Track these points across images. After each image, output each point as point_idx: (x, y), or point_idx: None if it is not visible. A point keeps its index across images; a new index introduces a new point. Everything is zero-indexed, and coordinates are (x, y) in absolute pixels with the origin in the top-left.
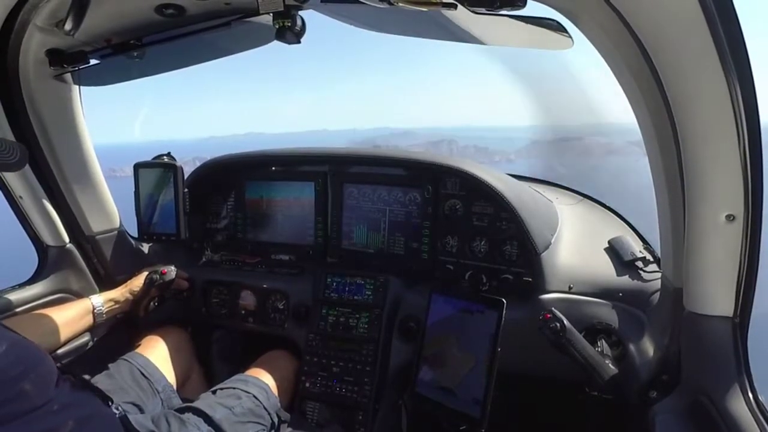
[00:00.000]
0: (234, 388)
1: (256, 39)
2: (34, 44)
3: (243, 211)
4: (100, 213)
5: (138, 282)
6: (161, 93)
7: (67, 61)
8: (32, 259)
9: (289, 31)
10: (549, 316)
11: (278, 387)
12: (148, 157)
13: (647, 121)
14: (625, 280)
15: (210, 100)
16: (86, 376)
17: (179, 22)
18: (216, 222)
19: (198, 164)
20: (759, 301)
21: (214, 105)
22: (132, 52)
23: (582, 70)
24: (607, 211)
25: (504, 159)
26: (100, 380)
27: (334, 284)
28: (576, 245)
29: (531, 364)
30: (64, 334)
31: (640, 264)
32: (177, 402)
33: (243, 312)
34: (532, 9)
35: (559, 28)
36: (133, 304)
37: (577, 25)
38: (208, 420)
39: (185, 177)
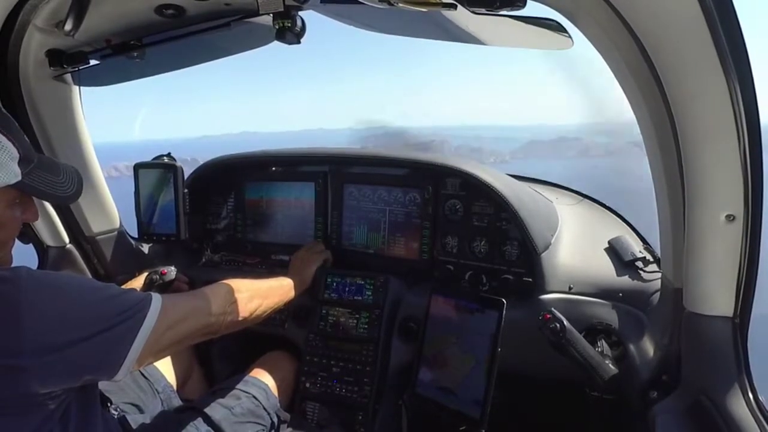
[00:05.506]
0: (233, 389)
1: (256, 39)
2: (34, 45)
3: (243, 212)
4: (100, 213)
5: (138, 283)
6: (153, 92)
7: (67, 62)
8: (32, 260)
9: (289, 31)
10: (549, 316)
11: (278, 387)
12: (138, 158)
13: (647, 120)
14: (625, 281)
15: (204, 99)
16: None
17: (179, 22)
18: (216, 222)
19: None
20: (759, 301)
21: (208, 104)
22: (132, 52)
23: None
24: (606, 211)
25: (499, 160)
26: None
27: (334, 284)
28: (576, 245)
29: (531, 365)
30: None
31: (640, 264)
32: (177, 402)
33: None
34: (532, 9)
35: (558, 28)
36: None
37: (576, 25)
38: (208, 420)
39: (185, 177)
